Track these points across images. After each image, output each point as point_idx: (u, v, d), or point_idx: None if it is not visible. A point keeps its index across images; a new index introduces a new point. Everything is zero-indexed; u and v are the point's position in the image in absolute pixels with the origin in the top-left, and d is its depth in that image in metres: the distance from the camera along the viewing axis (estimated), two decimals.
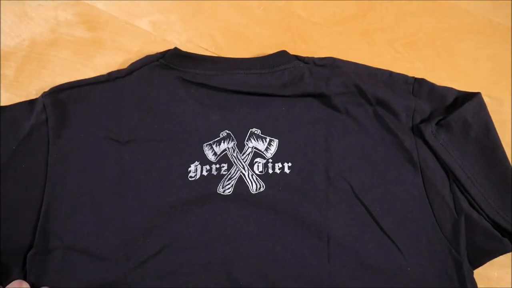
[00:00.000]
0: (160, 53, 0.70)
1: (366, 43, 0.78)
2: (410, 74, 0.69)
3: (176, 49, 0.71)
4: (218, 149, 0.65)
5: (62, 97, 0.67)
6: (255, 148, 0.65)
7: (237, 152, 0.65)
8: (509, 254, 0.62)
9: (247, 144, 0.65)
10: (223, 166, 0.64)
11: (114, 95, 0.67)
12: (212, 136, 0.65)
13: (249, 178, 0.64)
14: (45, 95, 0.66)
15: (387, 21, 0.79)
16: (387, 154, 0.65)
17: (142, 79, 0.68)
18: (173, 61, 0.69)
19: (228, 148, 0.65)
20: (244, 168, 0.64)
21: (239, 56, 0.74)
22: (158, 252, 0.61)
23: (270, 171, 0.64)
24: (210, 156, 0.65)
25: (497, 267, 0.64)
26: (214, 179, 0.63)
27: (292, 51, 0.71)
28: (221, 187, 0.63)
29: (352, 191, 0.63)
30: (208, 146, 0.65)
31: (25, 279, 0.59)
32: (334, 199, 0.63)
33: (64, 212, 0.61)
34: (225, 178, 0.63)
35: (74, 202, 0.62)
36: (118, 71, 0.69)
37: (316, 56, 0.70)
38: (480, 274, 0.62)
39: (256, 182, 0.63)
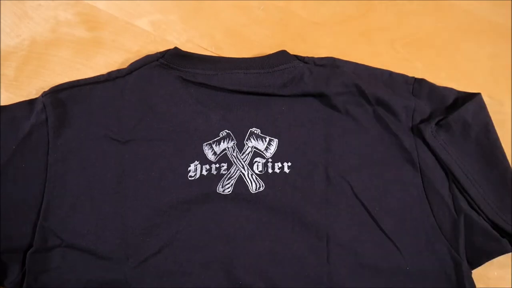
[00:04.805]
0: (160, 52, 0.70)
1: (366, 43, 0.78)
2: (410, 74, 0.69)
3: (176, 48, 0.71)
4: (218, 149, 0.65)
5: (62, 96, 0.67)
6: (255, 147, 0.65)
7: (236, 151, 0.65)
8: (508, 254, 0.62)
9: (246, 144, 0.65)
10: (223, 166, 0.64)
11: (114, 95, 0.67)
12: (212, 135, 0.65)
13: (248, 177, 0.64)
14: (45, 94, 0.67)
15: (387, 21, 0.79)
16: (387, 154, 0.65)
17: (142, 78, 0.68)
18: (173, 60, 0.69)
19: (228, 148, 0.65)
20: (243, 168, 0.64)
21: (239, 56, 0.74)
22: (158, 251, 0.61)
23: (270, 170, 0.64)
24: (210, 155, 0.65)
25: (497, 266, 0.64)
26: (214, 179, 0.63)
27: (292, 51, 0.71)
28: (220, 186, 0.63)
29: (352, 191, 0.63)
30: (208, 145, 0.65)
31: (24, 277, 0.59)
32: (333, 199, 0.63)
33: (64, 211, 0.61)
34: (225, 178, 0.64)
35: (74, 201, 0.62)
36: (118, 70, 0.69)
37: (316, 56, 0.70)
38: (480, 273, 0.62)
39: (256, 181, 0.63)
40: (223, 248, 0.61)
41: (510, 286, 0.65)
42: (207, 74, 0.68)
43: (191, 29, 0.78)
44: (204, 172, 0.64)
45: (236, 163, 0.64)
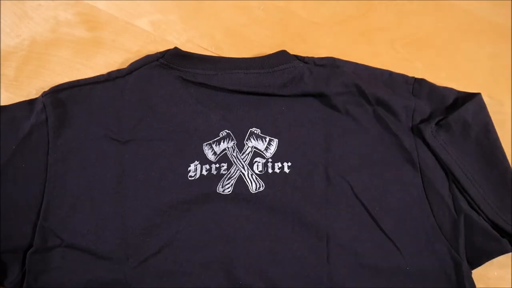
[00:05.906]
0: (160, 52, 0.70)
1: (366, 43, 0.78)
2: (410, 74, 0.69)
3: (176, 48, 0.71)
4: (218, 149, 0.65)
5: (62, 96, 0.67)
6: (255, 147, 0.65)
7: (236, 151, 0.65)
8: (508, 254, 0.62)
9: (246, 144, 0.65)
10: (223, 166, 0.64)
11: (114, 95, 0.67)
12: (212, 135, 0.65)
13: (248, 177, 0.64)
14: (45, 94, 0.67)
15: (387, 21, 0.79)
16: (387, 154, 0.65)
17: (142, 78, 0.68)
18: (173, 60, 0.69)
19: (228, 148, 0.65)
20: (243, 168, 0.64)
21: (239, 56, 0.74)
22: (158, 251, 0.61)
23: (270, 170, 0.64)
24: (210, 155, 0.65)
25: (497, 266, 0.64)
26: (214, 179, 0.63)
27: (292, 51, 0.71)
28: (220, 186, 0.63)
29: (352, 191, 0.63)
30: (208, 145, 0.65)
31: (24, 277, 0.59)
32: (333, 199, 0.63)
33: (64, 211, 0.61)
34: (225, 178, 0.64)
35: (74, 201, 0.62)
36: (118, 70, 0.69)
37: (316, 56, 0.70)
38: (480, 273, 0.62)
39: (256, 181, 0.63)
40: (223, 248, 0.61)
41: (510, 286, 0.65)
42: (207, 74, 0.68)
43: (191, 29, 0.78)
44: (204, 172, 0.64)
45: (236, 163, 0.64)
